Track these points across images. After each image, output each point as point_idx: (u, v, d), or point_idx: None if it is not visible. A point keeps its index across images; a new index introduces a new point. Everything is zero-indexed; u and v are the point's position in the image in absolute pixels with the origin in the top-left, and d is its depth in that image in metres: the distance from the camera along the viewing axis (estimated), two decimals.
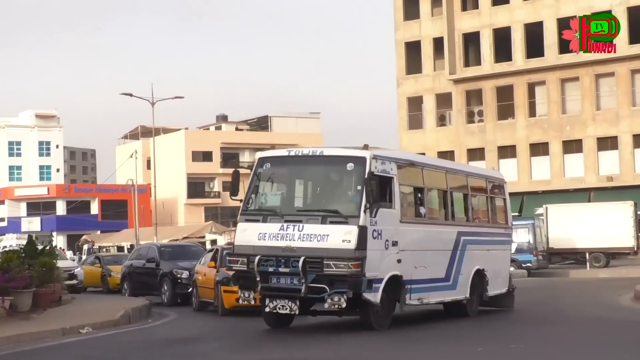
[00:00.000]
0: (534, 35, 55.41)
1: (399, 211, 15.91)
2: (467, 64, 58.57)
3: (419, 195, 17.08)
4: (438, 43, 59.18)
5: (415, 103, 60.75)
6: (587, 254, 39.57)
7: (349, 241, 14.63)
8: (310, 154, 16.09)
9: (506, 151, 56.81)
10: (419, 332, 15.84)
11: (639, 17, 52.00)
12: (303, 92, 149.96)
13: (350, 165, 15.33)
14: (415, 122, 60.85)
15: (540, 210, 43.32)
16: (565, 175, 54.80)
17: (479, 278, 18.68)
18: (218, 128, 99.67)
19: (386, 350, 13.40)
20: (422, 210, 16.98)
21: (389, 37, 61.57)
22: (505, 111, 57.24)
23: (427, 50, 59.83)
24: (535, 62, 55.56)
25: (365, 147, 15.41)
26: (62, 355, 13.75)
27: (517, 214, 52.80)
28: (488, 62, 57.31)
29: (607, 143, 53.81)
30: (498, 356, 12.58)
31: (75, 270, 32.30)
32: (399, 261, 15.68)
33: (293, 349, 13.75)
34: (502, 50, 56.79)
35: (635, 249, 39.77)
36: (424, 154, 59.40)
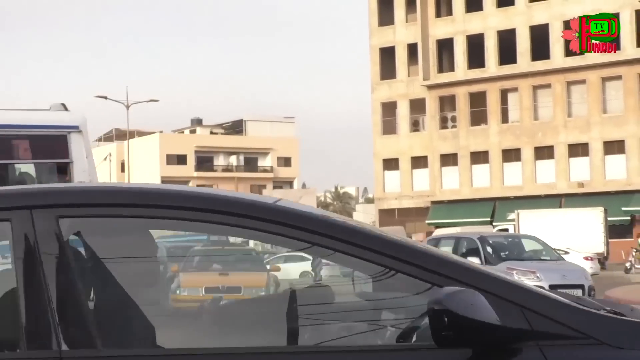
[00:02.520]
0: (507, 42, 55.89)
1: None
2: (440, 70, 58.96)
3: None
4: (412, 49, 59.56)
5: (389, 108, 61.07)
6: None
7: None
8: None
9: (479, 157, 57.22)
10: None
11: None
12: (278, 97, 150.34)
13: None
14: (389, 127, 61.17)
15: (512, 216, 43.68)
16: (536, 181, 55.27)
17: None
18: (193, 131, 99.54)
19: None
20: None
21: (364, 42, 61.98)
22: (478, 117, 57.68)
23: (401, 56, 60.18)
24: (508, 69, 56.04)
25: None
26: None
27: (489, 219, 53.44)
28: (461, 69, 57.74)
29: (578, 150, 54.34)
30: None
31: None
32: None
33: None
34: (476, 56, 57.23)
35: (605, 254, 40.18)
36: (397, 159, 60.56)
